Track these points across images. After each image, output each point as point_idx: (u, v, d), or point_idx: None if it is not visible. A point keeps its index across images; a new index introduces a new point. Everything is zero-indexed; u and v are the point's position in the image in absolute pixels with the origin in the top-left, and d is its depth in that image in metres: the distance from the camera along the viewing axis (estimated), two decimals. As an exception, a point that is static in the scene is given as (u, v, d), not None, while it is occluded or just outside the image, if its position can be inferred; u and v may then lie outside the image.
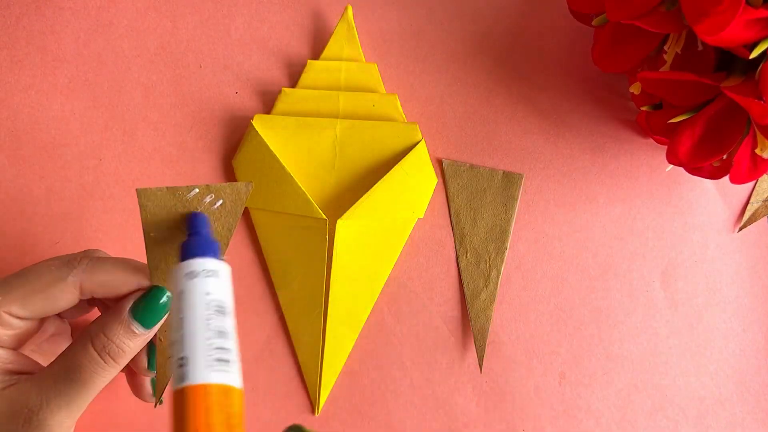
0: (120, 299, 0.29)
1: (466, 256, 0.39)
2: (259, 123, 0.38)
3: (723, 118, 0.33)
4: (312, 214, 0.37)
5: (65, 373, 0.28)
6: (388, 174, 0.38)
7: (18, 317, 0.28)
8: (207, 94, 0.40)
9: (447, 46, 0.41)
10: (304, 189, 0.37)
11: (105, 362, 0.28)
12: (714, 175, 0.35)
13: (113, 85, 0.39)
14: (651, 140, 0.40)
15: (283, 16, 0.41)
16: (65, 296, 0.29)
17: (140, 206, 0.28)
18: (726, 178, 0.34)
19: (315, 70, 0.40)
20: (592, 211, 0.40)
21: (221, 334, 0.25)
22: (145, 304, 0.29)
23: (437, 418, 0.38)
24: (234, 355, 0.25)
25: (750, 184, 0.41)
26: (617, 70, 0.36)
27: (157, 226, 0.29)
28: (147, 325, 0.29)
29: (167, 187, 0.28)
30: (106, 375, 0.28)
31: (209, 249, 0.27)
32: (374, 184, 0.38)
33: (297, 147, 0.39)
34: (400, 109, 0.39)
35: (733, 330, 0.40)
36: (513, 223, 0.39)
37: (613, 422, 0.38)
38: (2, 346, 0.29)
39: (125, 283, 0.29)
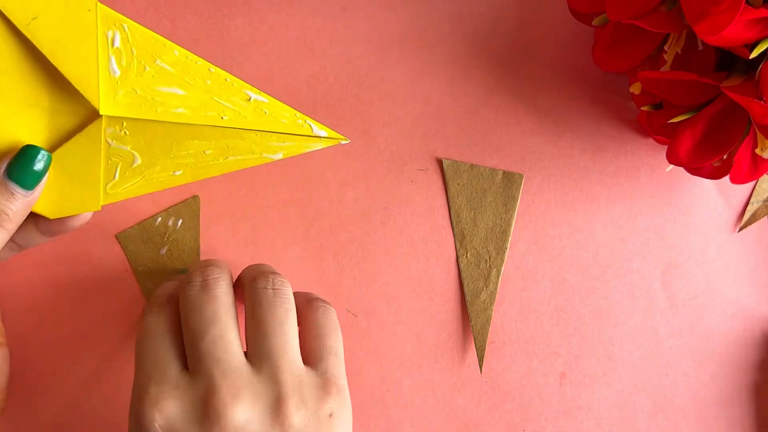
0: None
1: (466, 256, 0.39)
2: None
3: (723, 118, 0.33)
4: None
5: None
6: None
7: None
8: (207, 94, 0.40)
9: (447, 46, 0.41)
10: None
11: None
12: (714, 175, 0.35)
13: (113, 85, 0.39)
14: (651, 140, 0.40)
15: (283, 16, 0.41)
16: None
17: (123, 249, 0.35)
18: (726, 178, 0.34)
19: None
20: (592, 211, 0.40)
21: None
22: (19, 163, 0.27)
23: (437, 418, 0.38)
24: None
25: (750, 184, 0.41)
26: (617, 70, 0.36)
27: (141, 260, 0.35)
28: (27, 186, 0.27)
29: (138, 224, 0.35)
30: None
31: None
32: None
33: None
34: None
35: (734, 330, 0.40)
36: (513, 223, 0.39)
37: (613, 423, 0.38)
38: None
39: None
